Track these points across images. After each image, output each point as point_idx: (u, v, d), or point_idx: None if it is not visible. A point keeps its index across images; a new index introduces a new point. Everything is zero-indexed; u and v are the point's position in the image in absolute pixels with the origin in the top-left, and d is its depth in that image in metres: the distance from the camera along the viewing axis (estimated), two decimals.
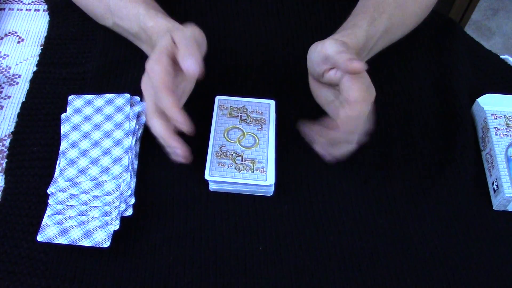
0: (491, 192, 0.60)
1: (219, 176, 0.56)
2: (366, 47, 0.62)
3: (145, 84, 0.55)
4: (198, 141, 0.61)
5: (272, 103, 0.63)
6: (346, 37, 0.59)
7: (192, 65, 0.51)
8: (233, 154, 0.58)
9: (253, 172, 0.57)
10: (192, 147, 0.61)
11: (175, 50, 0.53)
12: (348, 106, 0.51)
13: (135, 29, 0.63)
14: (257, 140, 0.60)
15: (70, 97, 0.62)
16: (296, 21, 0.74)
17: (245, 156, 0.58)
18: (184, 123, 0.52)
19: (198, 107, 0.64)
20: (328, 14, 0.75)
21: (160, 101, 0.52)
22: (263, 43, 0.72)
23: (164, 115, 0.53)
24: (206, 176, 0.56)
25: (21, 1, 0.76)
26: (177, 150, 0.53)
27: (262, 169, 0.57)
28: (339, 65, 0.52)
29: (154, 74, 0.52)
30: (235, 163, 0.57)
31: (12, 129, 0.62)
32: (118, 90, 0.63)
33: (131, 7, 0.63)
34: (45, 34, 0.71)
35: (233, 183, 0.56)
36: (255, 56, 0.71)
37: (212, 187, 0.58)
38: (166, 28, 0.60)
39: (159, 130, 0.53)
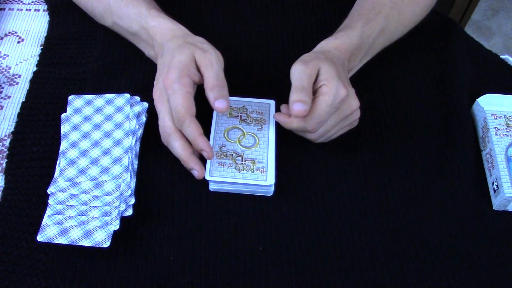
0: (491, 192, 0.60)
1: (219, 176, 0.56)
2: (362, 48, 0.62)
3: (160, 98, 0.56)
4: None
5: (272, 103, 0.63)
6: (339, 39, 0.61)
7: (223, 106, 0.54)
8: (233, 154, 0.58)
9: (253, 172, 0.57)
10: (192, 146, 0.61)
11: (197, 72, 0.55)
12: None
13: (135, 28, 0.63)
14: (257, 140, 0.60)
15: (70, 97, 0.61)
16: (297, 21, 0.74)
17: (245, 156, 0.58)
18: (208, 151, 0.54)
19: (198, 107, 0.64)
20: (329, 13, 0.75)
21: (182, 127, 0.54)
22: (263, 43, 0.72)
23: (182, 134, 0.55)
24: (207, 176, 0.56)
25: (21, 1, 0.76)
26: (195, 172, 0.55)
27: (262, 169, 0.57)
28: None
29: (176, 96, 0.53)
30: (235, 163, 0.57)
31: (12, 129, 0.62)
32: (118, 90, 0.63)
33: (131, 6, 0.63)
34: (45, 34, 0.71)
35: (233, 183, 0.56)
36: (255, 56, 0.71)
37: (212, 187, 0.58)
38: (171, 30, 0.60)
39: (179, 152, 0.55)
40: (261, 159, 0.58)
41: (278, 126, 0.61)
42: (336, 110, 0.56)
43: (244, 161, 0.58)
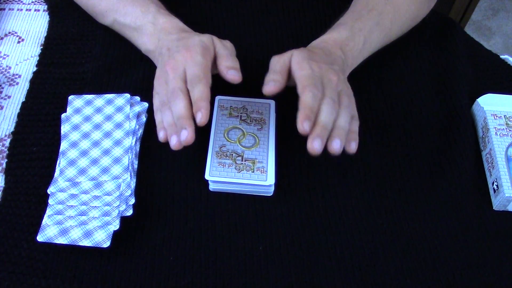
0: (491, 192, 0.60)
1: (219, 176, 0.56)
2: (355, 39, 0.62)
3: (176, 67, 0.56)
4: (198, 141, 0.61)
5: (272, 103, 0.63)
6: (328, 34, 0.63)
7: (236, 76, 0.57)
8: (233, 154, 0.58)
9: (253, 172, 0.57)
10: (193, 147, 0.61)
11: (213, 54, 0.58)
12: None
13: (139, 23, 0.64)
14: (257, 140, 0.60)
15: (70, 97, 0.62)
16: (296, 21, 0.74)
17: (245, 156, 0.58)
18: (205, 116, 0.53)
19: None
20: (329, 13, 0.75)
21: (195, 88, 0.54)
22: (263, 43, 0.72)
23: (188, 97, 0.55)
24: (207, 177, 0.56)
25: (21, 1, 0.76)
26: (184, 132, 0.53)
27: (262, 169, 0.57)
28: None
29: (198, 65, 0.55)
30: (236, 163, 0.57)
31: (12, 129, 0.62)
32: (118, 90, 0.63)
33: (138, 5, 0.64)
34: (45, 34, 0.71)
35: (234, 183, 0.56)
36: (255, 56, 0.71)
37: (212, 187, 0.58)
38: (181, 27, 0.62)
39: (182, 109, 0.54)
40: (261, 159, 0.58)
41: (278, 126, 0.61)
42: (324, 90, 0.55)
43: (244, 161, 0.58)
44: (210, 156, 0.57)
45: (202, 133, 0.61)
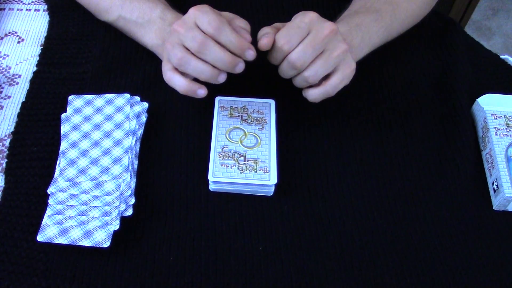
0: (491, 192, 0.60)
1: (222, 177, 0.56)
2: (353, 33, 0.62)
3: (187, 25, 0.55)
4: (199, 141, 0.61)
5: (272, 102, 0.63)
6: None
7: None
8: (236, 155, 0.58)
9: (256, 172, 0.57)
10: (194, 147, 0.61)
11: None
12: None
13: (147, 18, 0.64)
14: (259, 140, 0.60)
15: (70, 97, 0.62)
16: None
17: (247, 156, 0.58)
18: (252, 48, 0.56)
19: (199, 107, 0.64)
20: (329, 13, 0.75)
21: (224, 31, 0.54)
22: None
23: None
24: (210, 178, 0.56)
25: (21, 1, 0.76)
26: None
27: (265, 169, 0.57)
28: None
29: (210, 14, 0.54)
30: (238, 163, 0.57)
31: (12, 129, 0.62)
32: (118, 90, 0.63)
33: (146, 0, 0.64)
34: (45, 34, 0.71)
35: (236, 184, 0.56)
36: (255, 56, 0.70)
37: (212, 187, 0.58)
38: None
39: (221, 55, 0.54)
40: (263, 159, 0.58)
41: (279, 126, 0.61)
42: (309, 33, 0.57)
43: (246, 161, 0.58)
44: (213, 157, 0.57)
45: (204, 133, 0.61)
